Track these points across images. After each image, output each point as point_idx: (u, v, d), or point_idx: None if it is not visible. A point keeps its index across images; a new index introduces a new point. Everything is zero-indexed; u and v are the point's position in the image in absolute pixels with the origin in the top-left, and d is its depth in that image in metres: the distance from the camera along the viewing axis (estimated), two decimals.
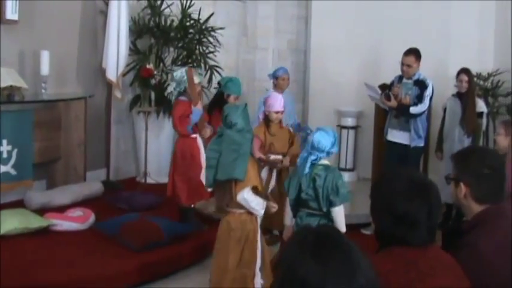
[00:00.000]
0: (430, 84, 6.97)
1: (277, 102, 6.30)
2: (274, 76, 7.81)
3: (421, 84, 6.97)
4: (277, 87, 7.72)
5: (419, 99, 6.93)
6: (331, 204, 4.71)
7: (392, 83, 7.27)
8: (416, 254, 2.33)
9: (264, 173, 6.13)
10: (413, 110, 6.93)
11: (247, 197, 4.63)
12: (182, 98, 6.27)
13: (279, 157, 6.30)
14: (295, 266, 1.62)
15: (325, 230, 1.79)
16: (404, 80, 7.09)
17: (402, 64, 7.02)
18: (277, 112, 6.31)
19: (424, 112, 7.01)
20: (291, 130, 6.68)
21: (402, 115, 7.07)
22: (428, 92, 6.93)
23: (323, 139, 4.75)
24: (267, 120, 6.41)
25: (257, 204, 4.69)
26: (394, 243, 2.37)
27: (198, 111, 6.19)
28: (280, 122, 6.45)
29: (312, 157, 4.76)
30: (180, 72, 6.32)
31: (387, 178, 2.55)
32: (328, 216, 4.75)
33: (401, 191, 2.36)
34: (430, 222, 2.35)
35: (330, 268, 1.60)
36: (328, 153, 4.80)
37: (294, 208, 4.92)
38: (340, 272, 1.60)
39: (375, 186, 2.55)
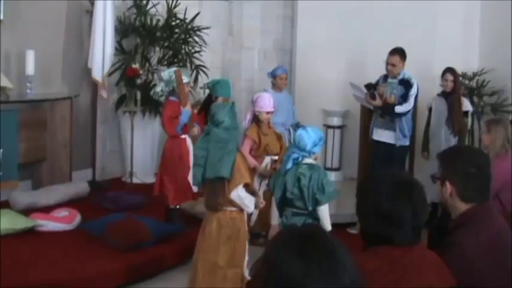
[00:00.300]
0: (415, 84, 7.00)
1: (268, 102, 6.22)
2: (273, 75, 7.75)
3: (406, 84, 7.00)
4: (276, 87, 7.68)
5: (404, 98, 6.96)
6: (317, 202, 4.71)
7: (377, 83, 7.29)
8: (401, 253, 2.33)
9: (257, 179, 6.09)
10: (398, 109, 6.95)
11: (241, 194, 4.67)
12: (172, 98, 6.25)
13: (276, 158, 6.22)
14: (280, 264, 1.62)
15: (311, 228, 1.79)
16: (390, 80, 7.11)
17: (387, 63, 7.05)
18: (268, 112, 6.24)
19: (409, 111, 7.04)
20: (290, 130, 6.64)
21: (387, 114, 7.10)
22: (413, 91, 6.96)
23: (305, 137, 4.75)
24: (256, 120, 6.34)
25: (250, 201, 4.74)
26: (379, 242, 2.37)
27: (187, 111, 6.18)
28: (268, 122, 6.39)
29: (294, 155, 4.77)
30: (167, 73, 6.32)
31: (373, 178, 2.56)
32: (314, 215, 4.76)
33: (386, 190, 2.37)
34: (415, 222, 2.36)
35: (315, 267, 1.60)
36: (310, 153, 4.79)
37: (280, 207, 4.92)
38: (324, 271, 1.60)
39: (360, 185, 2.57)
